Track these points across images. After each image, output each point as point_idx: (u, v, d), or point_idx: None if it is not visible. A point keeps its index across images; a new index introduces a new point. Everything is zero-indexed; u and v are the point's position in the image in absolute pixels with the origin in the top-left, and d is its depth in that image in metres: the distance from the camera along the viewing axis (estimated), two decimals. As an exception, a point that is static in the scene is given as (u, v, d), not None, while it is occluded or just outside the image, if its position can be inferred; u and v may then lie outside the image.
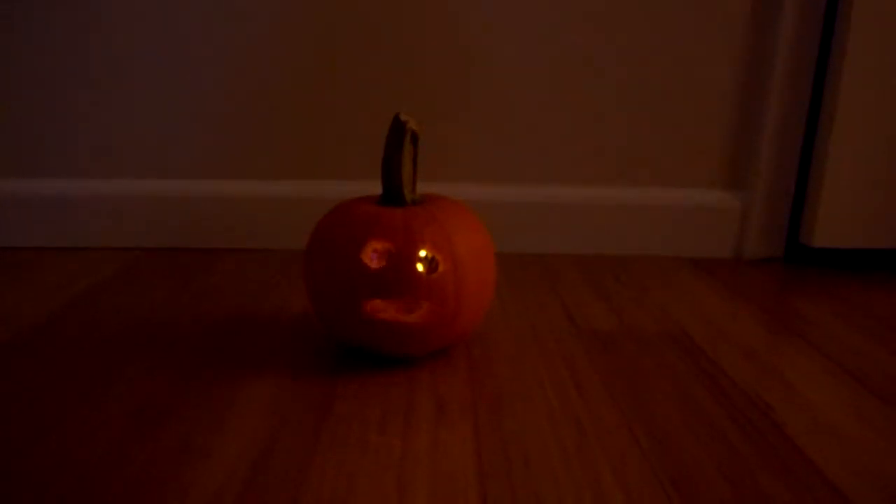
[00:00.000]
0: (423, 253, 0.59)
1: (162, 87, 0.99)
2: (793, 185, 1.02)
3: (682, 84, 1.01)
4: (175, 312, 0.78)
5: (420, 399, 0.59)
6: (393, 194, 0.64)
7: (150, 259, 0.98)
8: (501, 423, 0.55)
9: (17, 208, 1.02)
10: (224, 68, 0.99)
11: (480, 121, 1.02)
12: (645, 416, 0.56)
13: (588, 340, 0.72)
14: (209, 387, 0.60)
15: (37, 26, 0.96)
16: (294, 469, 0.48)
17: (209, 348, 0.68)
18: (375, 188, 1.01)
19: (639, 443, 0.52)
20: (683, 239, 1.05)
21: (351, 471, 0.48)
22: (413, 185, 0.66)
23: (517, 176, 1.04)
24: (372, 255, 0.59)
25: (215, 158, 1.03)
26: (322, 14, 0.97)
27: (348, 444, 0.51)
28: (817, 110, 0.98)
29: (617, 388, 0.61)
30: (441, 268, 0.60)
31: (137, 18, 0.96)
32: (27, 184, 1.01)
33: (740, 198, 1.04)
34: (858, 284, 0.93)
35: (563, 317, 0.79)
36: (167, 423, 0.54)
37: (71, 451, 0.50)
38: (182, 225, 1.03)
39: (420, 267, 0.59)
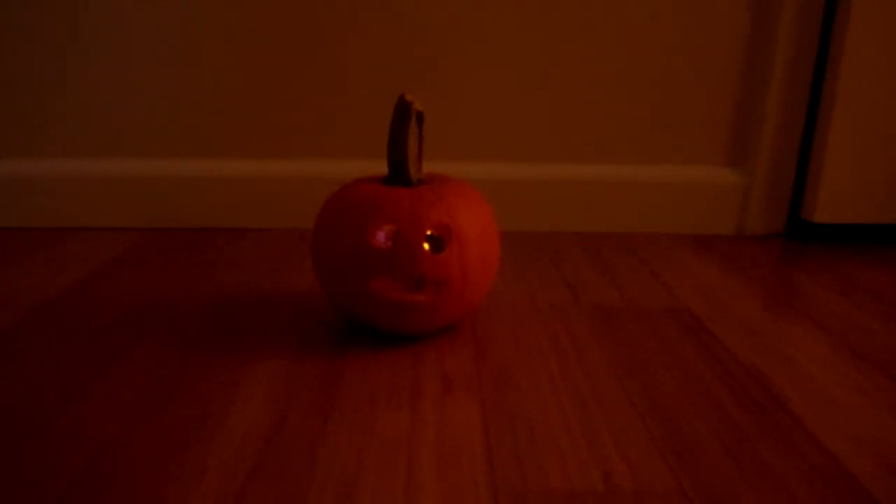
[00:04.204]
0: (429, 232, 0.60)
1: (167, 65, 1.00)
2: (794, 161, 1.02)
3: (685, 61, 1.01)
4: (184, 291, 0.79)
5: (426, 375, 0.60)
6: (399, 174, 0.65)
7: (157, 239, 0.99)
8: (506, 397, 0.56)
9: (23, 189, 1.02)
10: (228, 45, 0.99)
11: (485, 100, 1.02)
12: (647, 391, 0.57)
13: (591, 316, 0.73)
14: (219, 363, 0.61)
15: (34, 19, 0.96)
16: (305, 444, 0.49)
17: (218, 326, 0.69)
18: (380, 167, 1.02)
19: (641, 416, 0.53)
20: (686, 215, 1.06)
21: (360, 446, 0.49)
22: (418, 164, 0.67)
23: (520, 155, 1.05)
24: (378, 235, 0.60)
25: (220, 138, 1.03)
26: (324, -7, 0.97)
27: (357, 420, 0.52)
28: (820, 87, 0.98)
29: (619, 363, 0.62)
30: (447, 247, 0.60)
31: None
32: (32, 164, 1.02)
33: (742, 174, 1.05)
34: (859, 260, 0.94)
35: (566, 293, 0.80)
36: (180, 399, 0.55)
37: (88, 426, 0.51)
38: (189, 205, 1.04)
39: (426, 246, 0.60)
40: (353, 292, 0.62)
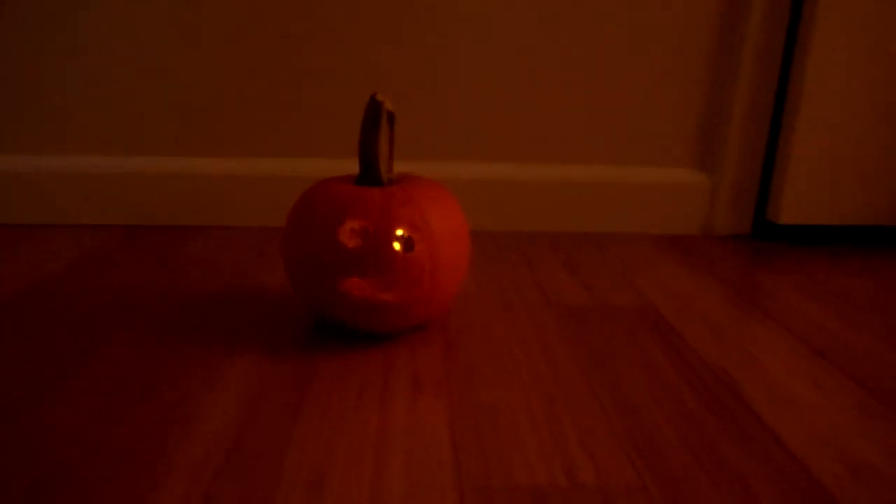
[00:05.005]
0: (399, 232, 0.60)
1: (139, 63, 0.99)
2: (760, 163, 1.04)
3: (654, 64, 1.02)
4: (154, 289, 0.78)
5: (396, 374, 0.60)
6: (369, 174, 0.65)
7: (127, 237, 0.98)
8: (475, 396, 0.57)
9: (-10, 186, 1.01)
10: (198, 44, 0.98)
11: (455, 101, 1.02)
12: (612, 389, 0.58)
13: (559, 315, 0.74)
14: (189, 362, 0.61)
15: (22, 12, 0.95)
16: (274, 441, 0.49)
17: (188, 325, 0.69)
18: (352, 167, 1.02)
19: (606, 414, 0.54)
20: (654, 215, 1.07)
21: (329, 443, 0.49)
22: (389, 164, 0.67)
23: (490, 155, 1.05)
24: (349, 235, 0.60)
25: (192, 136, 1.02)
26: (297, -9, 0.97)
27: (326, 418, 0.53)
28: (785, 90, 1.00)
29: (586, 361, 0.63)
30: (417, 247, 0.61)
31: (110, -6, 0.96)
32: (1, 160, 1.01)
33: (710, 175, 1.06)
34: (823, 260, 0.96)
35: (536, 293, 0.81)
36: (149, 398, 0.55)
37: (58, 422, 0.51)
38: (160, 202, 1.03)
39: (397, 246, 0.60)
40: (323, 291, 0.62)
